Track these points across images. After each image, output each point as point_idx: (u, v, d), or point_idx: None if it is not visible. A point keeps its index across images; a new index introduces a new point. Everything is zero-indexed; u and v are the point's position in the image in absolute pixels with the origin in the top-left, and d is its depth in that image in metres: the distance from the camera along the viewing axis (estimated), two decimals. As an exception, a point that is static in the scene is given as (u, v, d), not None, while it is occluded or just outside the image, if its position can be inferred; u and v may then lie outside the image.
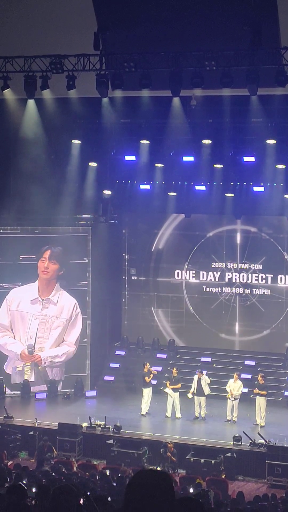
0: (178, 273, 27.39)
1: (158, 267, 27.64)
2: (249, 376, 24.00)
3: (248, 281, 26.54)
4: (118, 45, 18.73)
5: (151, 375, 22.67)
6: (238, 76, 17.61)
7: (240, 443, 19.45)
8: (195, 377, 22.28)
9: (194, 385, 22.16)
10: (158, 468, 18.21)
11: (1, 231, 24.93)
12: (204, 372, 22.83)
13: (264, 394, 21.47)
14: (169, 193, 25.74)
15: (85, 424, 20.76)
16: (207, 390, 22.08)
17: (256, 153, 22.55)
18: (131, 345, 27.22)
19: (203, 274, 27.07)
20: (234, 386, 21.77)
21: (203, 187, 24.65)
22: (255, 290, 26.44)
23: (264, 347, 26.24)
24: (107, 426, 20.60)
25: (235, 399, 21.71)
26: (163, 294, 27.62)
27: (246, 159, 22.81)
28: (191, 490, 15.36)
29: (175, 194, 25.72)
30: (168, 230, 27.44)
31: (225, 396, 21.84)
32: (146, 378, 22.52)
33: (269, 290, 26.29)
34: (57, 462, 18.42)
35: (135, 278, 27.91)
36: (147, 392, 22.47)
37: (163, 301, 27.64)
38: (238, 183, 24.45)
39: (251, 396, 22.51)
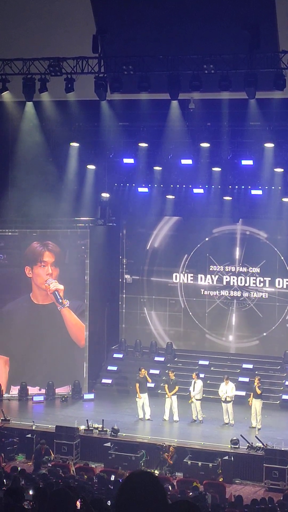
0: (175, 276, 27.40)
1: (155, 270, 27.65)
2: (246, 380, 24.01)
3: (246, 284, 26.54)
4: (117, 48, 18.74)
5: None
6: (237, 79, 17.63)
7: (237, 446, 19.44)
8: (193, 381, 22.28)
9: (192, 389, 22.14)
10: (156, 472, 18.20)
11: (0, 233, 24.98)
12: (202, 376, 22.85)
13: (259, 393, 21.44)
14: (167, 196, 25.80)
15: (82, 427, 20.73)
16: (199, 395, 22.04)
17: (254, 157, 22.58)
18: (129, 348, 27.21)
19: (201, 277, 27.08)
20: (227, 389, 21.80)
21: (201, 190, 24.68)
22: (253, 294, 26.45)
23: (262, 351, 26.26)
24: (104, 429, 20.58)
25: (231, 400, 21.74)
26: (160, 297, 27.62)
27: (244, 162, 22.83)
28: (190, 493, 15.34)
29: (173, 197, 25.76)
30: (166, 232, 27.43)
31: (222, 399, 21.88)
32: (137, 385, 22.34)
33: (266, 294, 26.30)
34: (54, 465, 18.40)
35: (130, 281, 27.91)
36: (142, 398, 22.33)
37: (161, 304, 27.64)
38: (236, 187, 24.48)
39: (248, 400, 22.49)
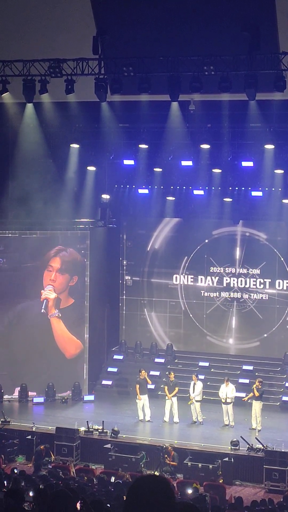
0: (176, 277, 27.39)
1: (156, 272, 27.64)
2: (247, 381, 23.99)
3: (246, 286, 26.53)
4: (117, 49, 18.73)
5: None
6: (237, 81, 17.62)
7: (237, 448, 19.44)
8: (193, 383, 22.29)
9: (192, 390, 22.13)
10: (156, 473, 18.18)
11: (0, 235, 24.96)
12: (201, 377, 22.80)
13: (257, 395, 21.46)
14: (167, 198, 25.80)
15: (82, 429, 20.72)
16: (199, 397, 22.04)
17: (254, 158, 22.56)
18: (129, 350, 27.20)
19: (201, 278, 27.08)
20: (227, 390, 21.80)
21: (201, 192, 24.67)
22: (253, 295, 26.44)
23: (262, 352, 26.24)
24: (104, 430, 20.57)
25: (231, 402, 21.74)
26: (161, 298, 27.61)
27: (244, 164, 22.81)
28: (190, 493, 15.32)
29: (173, 198, 25.77)
30: (166, 233, 27.43)
31: (223, 401, 21.88)
32: (138, 386, 22.31)
33: (267, 295, 26.28)
34: (54, 467, 18.38)
35: (130, 283, 27.89)
36: (142, 399, 22.29)
37: (161, 306, 27.63)
38: (237, 188, 24.47)
39: (248, 401, 22.49)
